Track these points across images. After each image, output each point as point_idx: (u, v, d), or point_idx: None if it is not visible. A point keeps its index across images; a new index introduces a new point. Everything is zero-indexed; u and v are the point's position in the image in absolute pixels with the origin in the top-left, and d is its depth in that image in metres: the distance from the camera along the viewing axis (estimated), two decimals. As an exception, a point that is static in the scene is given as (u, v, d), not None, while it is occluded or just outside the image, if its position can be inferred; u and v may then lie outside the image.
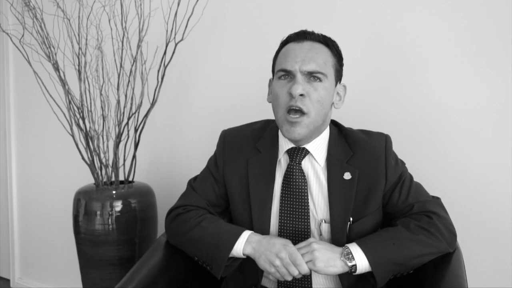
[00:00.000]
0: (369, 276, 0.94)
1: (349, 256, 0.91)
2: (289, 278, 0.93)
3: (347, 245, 0.94)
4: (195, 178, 1.17)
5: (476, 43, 1.24)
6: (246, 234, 0.99)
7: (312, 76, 0.97)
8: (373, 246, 0.93)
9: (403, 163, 1.07)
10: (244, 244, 0.97)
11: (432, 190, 1.08)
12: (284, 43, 1.05)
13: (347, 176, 1.01)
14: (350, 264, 0.91)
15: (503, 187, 1.22)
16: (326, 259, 0.91)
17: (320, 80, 0.98)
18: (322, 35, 1.03)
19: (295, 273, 0.92)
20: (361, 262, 0.91)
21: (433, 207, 1.00)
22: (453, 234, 0.99)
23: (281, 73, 1.00)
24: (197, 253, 1.03)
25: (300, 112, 0.96)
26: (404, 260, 0.92)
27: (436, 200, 1.05)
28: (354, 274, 0.93)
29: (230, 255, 0.98)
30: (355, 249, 0.92)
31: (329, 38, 1.03)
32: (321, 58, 0.98)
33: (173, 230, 1.09)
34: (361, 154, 1.03)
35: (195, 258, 1.05)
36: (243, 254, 0.97)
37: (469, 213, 1.25)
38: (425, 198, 1.03)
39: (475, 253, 1.25)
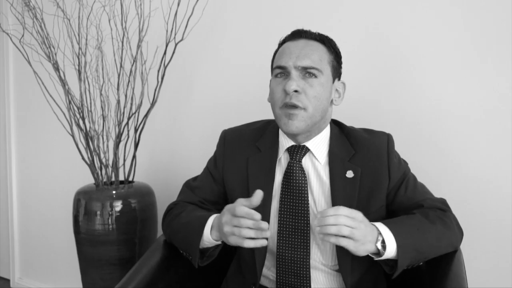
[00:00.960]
0: (383, 263, 0.93)
1: (384, 244, 0.88)
2: (251, 234, 0.84)
3: (378, 228, 0.89)
4: (195, 178, 1.18)
5: (476, 42, 1.24)
6: (212, 219, 0.97)
7: (307, 72, 0.97)
8: (402, 232, 0.90)
9: (405, 163, 1.08)
10: (211, 229, 0.96)
11: (432, 189, 1.08)
12: (281, 43, 1.06)
13: (349, 174, 1.01)
14: (381, 251, 0.88)
15: (503, 187, 1.22)
16: (362, 240, 0.85)
17: (316, 76, 0.98)
18: (318, 33, 1.03)
19: (248, 223, 0.84)
20: (390, 250, 0.88)
21: (442, 206, 1.02)
22: (461, 233, 1.01)
23: (277, 70, 1.01)
24: (179, 245, 1.04)
25: (296, 107, 0.96)
26: (424, 248, 0.91)
27: (443, 200, 1.05)
28: (374, 259, 0.90)
29: (204, 245, 0.97)
30: (387, 235, 0.88)
31: (326, 36, 1.03)
32: (316, 55, 0.98)
33: (164, 227, 1.12)
34: (363, 153, 1.03)
35: (180, 250, 1.05)
36: (214, 240, 0.96)
37: (470, 213, 1.25)
38: (432, 197, 1.04)
39: (475, 253, 1.25)
